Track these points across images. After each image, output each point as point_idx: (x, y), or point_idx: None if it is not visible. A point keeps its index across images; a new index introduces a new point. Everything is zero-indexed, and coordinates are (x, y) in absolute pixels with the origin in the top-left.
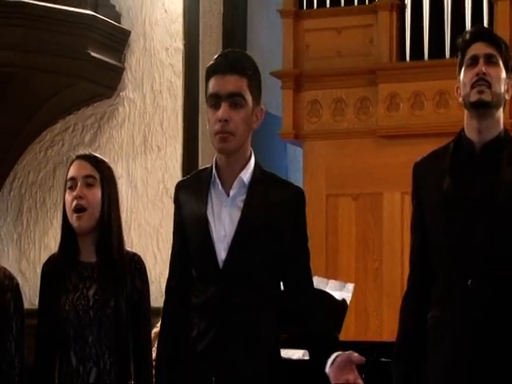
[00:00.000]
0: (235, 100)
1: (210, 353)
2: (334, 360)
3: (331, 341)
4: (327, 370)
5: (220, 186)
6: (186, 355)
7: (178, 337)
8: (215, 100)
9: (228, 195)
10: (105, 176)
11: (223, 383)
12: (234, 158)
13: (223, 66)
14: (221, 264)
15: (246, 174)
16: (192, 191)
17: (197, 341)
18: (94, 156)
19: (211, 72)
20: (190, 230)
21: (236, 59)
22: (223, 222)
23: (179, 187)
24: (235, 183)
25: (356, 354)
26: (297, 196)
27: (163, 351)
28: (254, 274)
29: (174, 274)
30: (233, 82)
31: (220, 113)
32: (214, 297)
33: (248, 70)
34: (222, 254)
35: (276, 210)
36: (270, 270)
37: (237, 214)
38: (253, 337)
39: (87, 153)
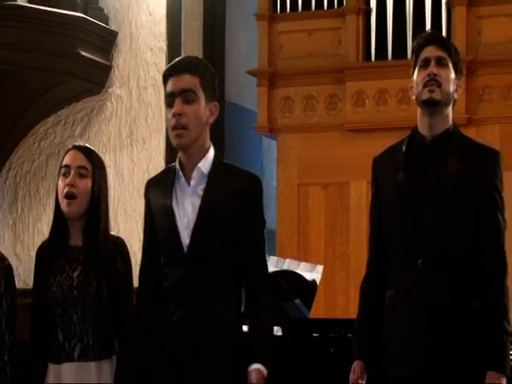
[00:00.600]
0: (187, 95)
1: (177, 332)
2: (250, 373)
3: (256, 346)
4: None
5: (183, 179)
6: (157, 333)
7: (151, 316)
8: (171, 98)
9: (190, 185)
10: (96, 168)
11: (189, 359)
12: (192, 151)
13: (176, 68)
14: (185, 249)
15: (205, 165)
16: (159, 187)
17: (166, 320)
18: (89, 148)
19: (167, 75)
20: (158, 222)
21: (188, 61)
22: (186, 210)
23: (148, 185)
24: (194, 173)
25: (258, 376)
26: (254, 184)
27: (137, 328)
28: (216, 258)
29: (145, 261)
30: (185, 80)
31: (174, 108)
32: (180, 280)
33: (199, 69)
34: (186, 239)
35: (234, 198)
36: (231, 254)
37: (198, 202)
38: (215, 316)
39: (82, 144)
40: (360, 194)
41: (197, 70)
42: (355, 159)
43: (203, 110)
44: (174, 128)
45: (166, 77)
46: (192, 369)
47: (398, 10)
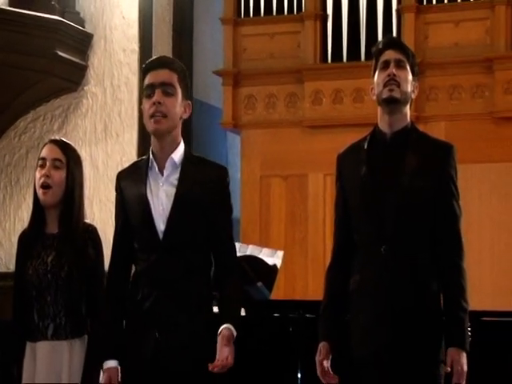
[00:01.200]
0: (167, 88)
1: (153, 313)
2: (221, 331)
3: (228, 311)
4: (217, 336)
5: (157, 169)
6: (132, 315)
7: (123, 299)
8: (150, 89)
9: (163, 175)
10: (71, 160)
11: (165, 338)
12: (165, 142)
13: (157, 63)
14: (160, 235)
15: (177, 156)
16: (131, 178)
17: (141, 302)
18: (64, 142)
19: (147, 69)
20: (131, 210)
21: (168, 59)
22: (161, 198)
23: (119, 176)
24: (167, 163)
25: (229, 333)
26: (222, 174)
27: (109, 312)
28: (190, 244)
29: (117, 248)
30: (165, 75)
31: (154, 97)
32: (155, 264)
33: (178, 67)
34: (161, 226)
35: (206, 187)
36: (204, 241)
37: (172, 191)
38: (188, 298)
39: (58, 138)
40: (317, 185)
41: (176, 68)
42: (313, 153)
43: (180, 104)
44: (153, 115)
45: (147, 70)
46: (167, 350)
47: (352, 16)
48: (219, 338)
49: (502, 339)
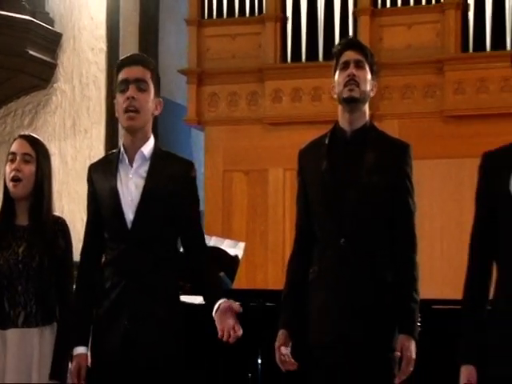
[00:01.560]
0: (140, 84)
1: (121, 302)
2: (219, 306)
3: (218, 290)
4: (213, 314)
5: (127, 161)
6: (101, 303)
7: (93, 288)
8: (124, 85)
9: (132, 167)
10: (40, 155)
11: (134, 327)
12: (137, 136)
13: (131, 60)
14: (129, 225)
15: (147, 150)
16: (103, 170)
17: (110, 291)
18: (34, 137)
19: (121, 65)
20: (102, 201)
21: (141, 56)
22: (130, 189)
23: (91, 168)
24: (137, 156)
25: (236, 304)
26: (189, 168)
27: (80, 299)
28: (158, 233)
29: (89, 238)
30: (139, 71)
31: (128, 92)
32: (123, 253)
33: (151, 65)
34: (129, 216)
35: (174, 180)
36: (170, 232)
37: (141, 182)
38: (155, 292)
39: (28, 134)
40: (277, 179)
41: (149, 65)
42: (273, 149)
43: (152, 100)
44: (127, 110)
45: (121, 67)
46: (136, 342)
47: (310, 18)
48: (219, 312)
49: (450, 326)
